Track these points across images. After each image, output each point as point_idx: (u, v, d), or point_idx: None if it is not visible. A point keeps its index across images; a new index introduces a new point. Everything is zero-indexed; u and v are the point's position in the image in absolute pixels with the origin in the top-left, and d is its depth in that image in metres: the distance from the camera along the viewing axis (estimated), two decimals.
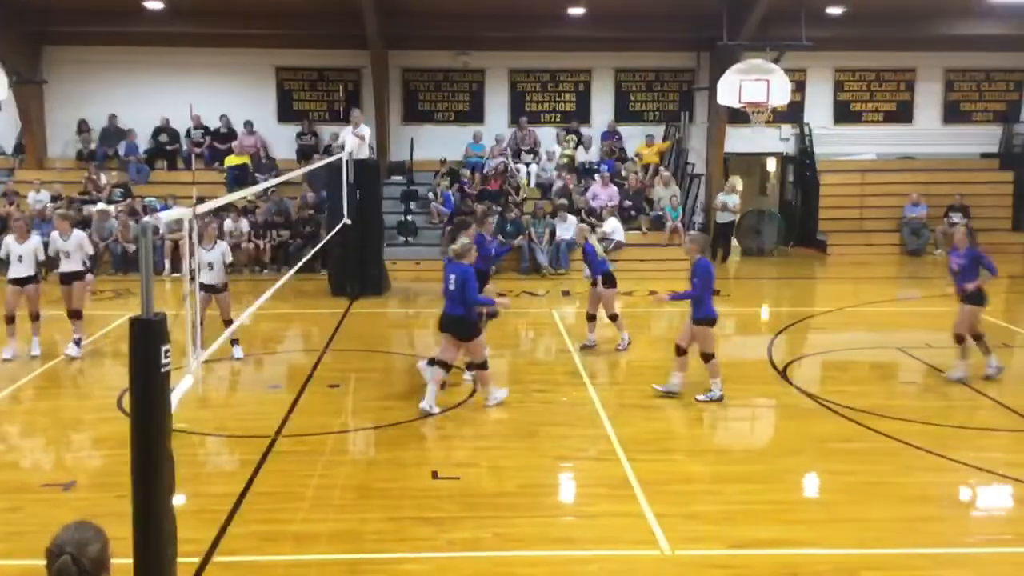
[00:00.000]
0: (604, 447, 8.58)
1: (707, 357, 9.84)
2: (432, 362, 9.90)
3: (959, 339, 10.72)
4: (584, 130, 21.92)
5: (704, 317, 9.78)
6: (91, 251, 12.29)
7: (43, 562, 3.45)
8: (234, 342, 11.50)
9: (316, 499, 7.41)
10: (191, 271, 6.25)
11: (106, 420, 9.26)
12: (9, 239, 11.77)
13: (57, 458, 8.52)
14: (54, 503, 7.35)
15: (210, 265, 11.10)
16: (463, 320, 9.57)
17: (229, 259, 11.63)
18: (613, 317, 12.09)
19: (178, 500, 5.30)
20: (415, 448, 8.59)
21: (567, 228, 18.91)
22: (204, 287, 10.83)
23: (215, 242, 11.47)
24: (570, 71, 22.23)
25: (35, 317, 11.74)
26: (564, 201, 19.59)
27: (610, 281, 11.92)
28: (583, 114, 22.28)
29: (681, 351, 9.98)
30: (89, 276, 12.33)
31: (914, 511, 7.16)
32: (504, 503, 7.33)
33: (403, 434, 8.99)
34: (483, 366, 9.75)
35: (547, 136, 21.83)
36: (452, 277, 9.50)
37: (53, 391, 10.80)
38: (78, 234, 12.05)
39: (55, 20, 19.96)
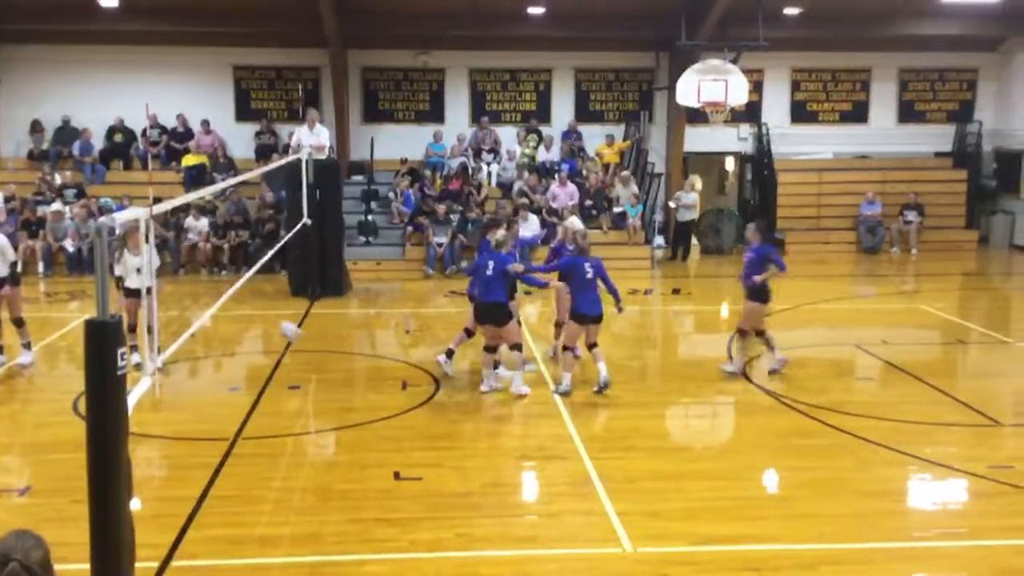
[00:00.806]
0: (566, 446, 8.60)
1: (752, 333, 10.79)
2: (450, 355, 10.62)
3: (742, 334, 10.87)
4: (544, 129, 21.96)
5: (760, 294, 10.64)
6: (12, 257, 11.21)
7: None
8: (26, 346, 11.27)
9: (277, 502, 7.34)
10: (119, 277, 6.14)
11: (62, 424, 9.12)
12: None
13: (12, 463, 8.37)
14: (8, 508, 7.22)
15: (138, 270, 10.66)
16: (500, 307, 10.00)
17: (157, 263, 11.17)
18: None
19: (136, 505, 5.24)
20: (376, 449, 8.56)
21: (528, 227, 18.93)
22: (129, 292, 10.68)
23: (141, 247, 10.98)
24: (530, 71, 22.26)
25: None
26: (525, 200, 19.62)
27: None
28: (543, 114, 22.32)
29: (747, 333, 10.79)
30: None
31: (872, 506, 7.26)
32: (466, 503, 7.32)
33: (364, 435, 8.95)
34: (519, 348, 10.16)
35: (508, 135, 21.85)
36: (491, 263, 9.99)
37: (7, 394, 10.61)
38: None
39: (8, 18, 19.62)
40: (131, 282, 10.68)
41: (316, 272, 15.77)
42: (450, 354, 10.72)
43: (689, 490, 7.58)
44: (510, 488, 7.84)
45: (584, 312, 9.97)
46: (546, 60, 22.11)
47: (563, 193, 19.92)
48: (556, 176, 20.38)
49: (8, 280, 11.00)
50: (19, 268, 10.85)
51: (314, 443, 8.96)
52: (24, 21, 19.67)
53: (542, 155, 21.54)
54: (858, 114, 23.11)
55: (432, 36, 20.95)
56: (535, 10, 19.80)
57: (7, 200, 18.87)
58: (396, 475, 7.82)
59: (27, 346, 11.39)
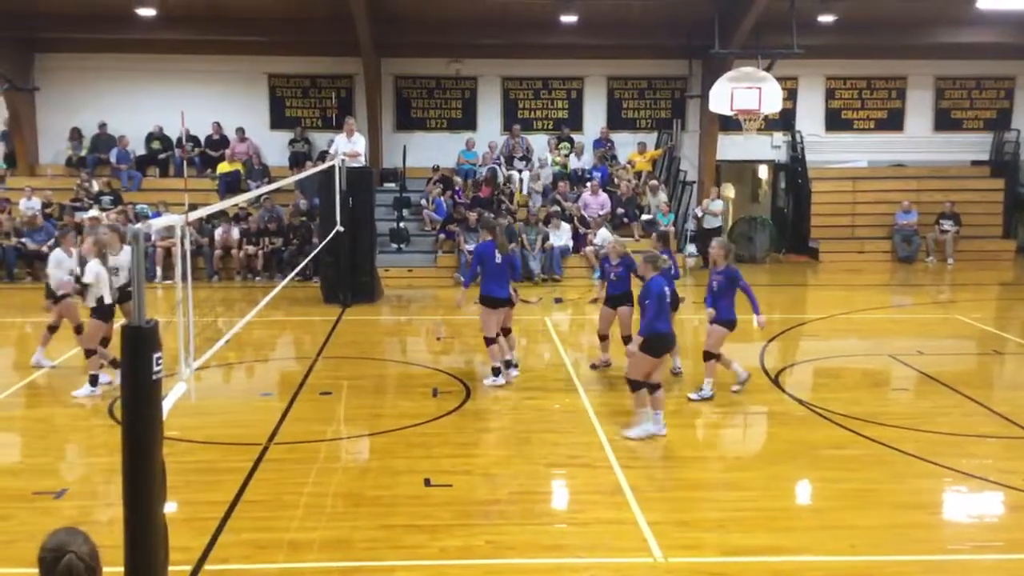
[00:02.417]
0: (597, 454, 8.58)
1: (712, 356, 10.25)
2: (510, 365, 10.90)
3: (707, 357, 10.36)
4: (576, 137, 21.97)
5: (727, 320, 10.18)
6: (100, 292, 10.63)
7: (34, 570, 3.46)
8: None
9: (308, 507, 7.39)
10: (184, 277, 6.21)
11: (98, 427, 9.23)
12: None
13: (49, 465, 8.48)
14: (45, 511, 7.31)
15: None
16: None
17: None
18: (628, 339, 10.56)
19: (169, 508, 5.29)
20: (407, 455, 8.58)
21: (560, 235, 18.95)
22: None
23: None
24: (563, 79, 22.29)
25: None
26: (557, 208, 19.62)
27: (627, 299, 11.09)
28: (575, 122, 22.32)
29: (711, 356, 10.30)
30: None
31: (906, 518, 7.17)
32: (496, 510, 7.32)
33: (395, 441, 8.98)
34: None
35: (540, 143, 21.88)
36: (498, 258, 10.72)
37: (44, 398, 10.76)
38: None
39: (47, 27, 19.94)
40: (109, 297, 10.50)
41: (348, 279, 15.86)
42: (498, 371, 10.82)
43: (721, 500, 7.53)
44: (540, 496, 7.83)
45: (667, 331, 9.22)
46: (578, 68, 22.13)
47: (594, 201, 19.91)
48: (588, 184, 20.37)
49: (97, 312, 10.51)
50: (108, 300, 10.51)
51: (345, 449, 9.00)
52: (62, 30, 20.00)
53: (573, 163, 21.55)
54: (893, 122, 22.91)
55: (464, 44, 21.06)
56: (568, 18, 19.83)
57: (44, 207, 19.15)
58: (426, 482, 7.84)
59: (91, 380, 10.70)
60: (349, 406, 10.37)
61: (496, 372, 10.77)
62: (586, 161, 21.66)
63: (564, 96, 22.36)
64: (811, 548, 6.66)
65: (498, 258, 10.64)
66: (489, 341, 10.71)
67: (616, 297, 11.12)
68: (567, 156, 21.61)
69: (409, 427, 9.34)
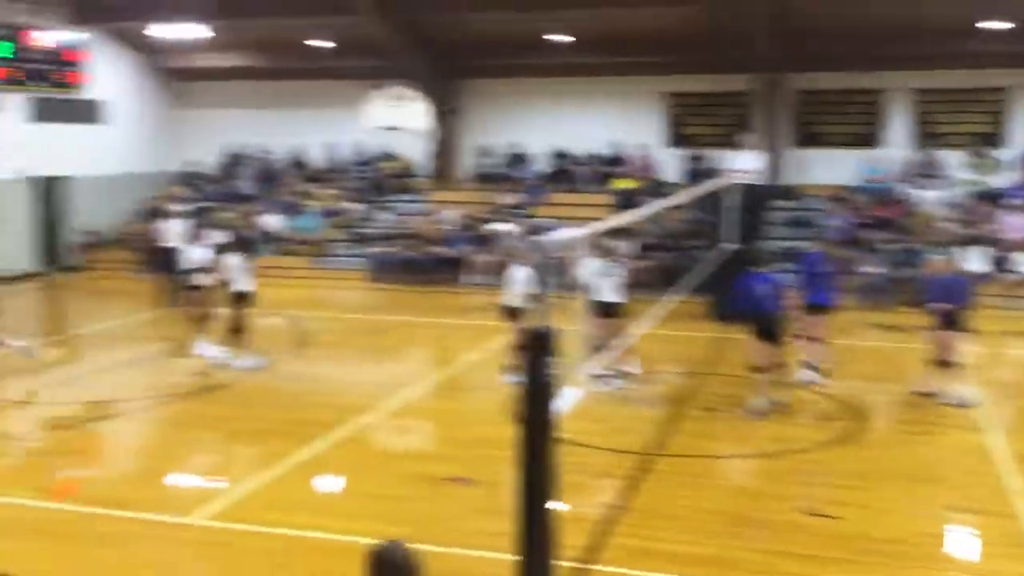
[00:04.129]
0: (1000, 499, 7.78)
1: None
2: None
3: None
4: (996, 153, 20.00)
5: None
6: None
7: (443, 549, 3.84)
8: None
9: (688, 520, 7.44)
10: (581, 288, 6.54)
11: (497, 422, 9.97)
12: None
13: (454, 454, 9.30)
14: (448, 496, 8.04)
15: (592, 284, 11.19)
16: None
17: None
18: None
19: (558, 505, 5.60)
20: (793, 481, 8.34)
21: (974, 260, 17.35)
22: (600, 308, 11.15)
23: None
24: (982, 90, 20.41)
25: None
26: (971, 231, 18.01)
27: None
28: (996, 136, 20.34)
29: None
30: None
31: None
32: (886, 550, 6.90)
33: (780, 466, 8.77)
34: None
35: (952, 160, 20.21)
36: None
37: (454, 393, 11.86)
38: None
39: (467, 56, 21.91)
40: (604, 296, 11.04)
41: (735, 296, 15.64)
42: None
43: None
44: (933, 539, 7.25)
45: None
46: (1003, 78, 20.14)
47: (1019, 224, 18.01)
48: (1009, 204, 18.47)
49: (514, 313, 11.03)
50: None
51: (727, 467, 8.95)
52: (481, 58, 21.88)
53: (992, 182, 19.65)
54: None
55: (871, 55, 20.00)
56: (993, 24, 18.10)
57: (461, 218, 21.01)
58: (809, 511, 7.57)
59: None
60: (732, 424, 10.28)
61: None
62: (1008, 179, 19.64)
63: (983, 109, 20.46)
64: None
65: None
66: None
67: None
68: (985, 174, 19.74)
69: (795, 452, 9.08)
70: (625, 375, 11.53)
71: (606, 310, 11.18)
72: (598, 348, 10.48)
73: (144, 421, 10.70)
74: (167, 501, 8.03)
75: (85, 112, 21.75)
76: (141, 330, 15.25)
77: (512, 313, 11.23)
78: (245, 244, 13.15)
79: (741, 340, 10.97)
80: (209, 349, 12.78)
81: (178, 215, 15.67)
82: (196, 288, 12.94)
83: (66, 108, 21.14)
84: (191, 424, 10.42)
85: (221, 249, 12.89)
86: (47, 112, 20.71)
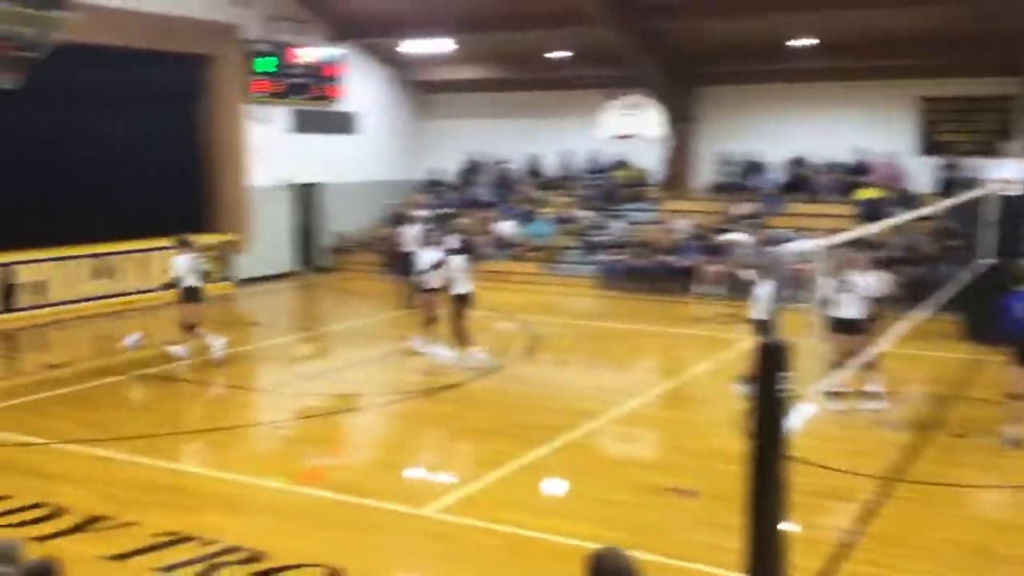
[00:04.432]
0: None
1: None
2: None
3: None
4: None
5: None
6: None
7: (664, 559, 3.82)
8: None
9: (927, 550, 7.00)
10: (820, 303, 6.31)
11: (725, 436, 9.77)
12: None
13: (682, 464, 9.19)
14: (674, 507, 7.96)
15: (849, 299, 10.78)
16: None
17: (873, 293, 11.08)
18: None
19: (788, 526, 5.41)
20: None
21: None
22: (839, 324, 10.73)
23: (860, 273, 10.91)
24: None
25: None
26: None
27: None
28: None
29: None
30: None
31: None
32: None
33: None
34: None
35: None
36: None
37: (682, 402, 11.74)
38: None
39: (709, 63, 21.60)
40: (841, 312, 10.70)
41: (992, 316, 14.53)
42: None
43: None
44: None
45: None
46: None
47: None
48: None
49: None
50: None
51: (975, 498, 8.34)
52: (718, 64, 21.49)
53: None
54: None
55: None
56: None
57: (692, 228, 20.74)
58: None
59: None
60: (982, 453, 9.54)
61: None
62: None
63: None
64: None
65: None
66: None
67: None
68: None
69: None
70: (867, 395, 10.98)
71: (846, 326, 10.70)
72: (837, 365, 10.06)
73: (383, 415, 11.28)
74: (404, 493, 8.42)
75: (340, 123, 23.24)
76: (383, 329, 16.08)
77: (758, 325, 10.97)
78: (468, 248, 13.56)
79: (998, 364, 10.19)
80: (435, 349, 13.30)
81: (418, 220, 16.44)
82: (427, 290, 13.50)
83: (323, 119, 22.68)
84: (425, 421, 10.89)
85: (448, 253, 13.38)
86: (306, 123, 22.29)
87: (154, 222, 19.22)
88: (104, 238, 18.21)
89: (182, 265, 13.33)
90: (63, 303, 16.99)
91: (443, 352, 13.25)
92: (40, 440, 9.75)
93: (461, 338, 13.08)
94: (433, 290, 13.42)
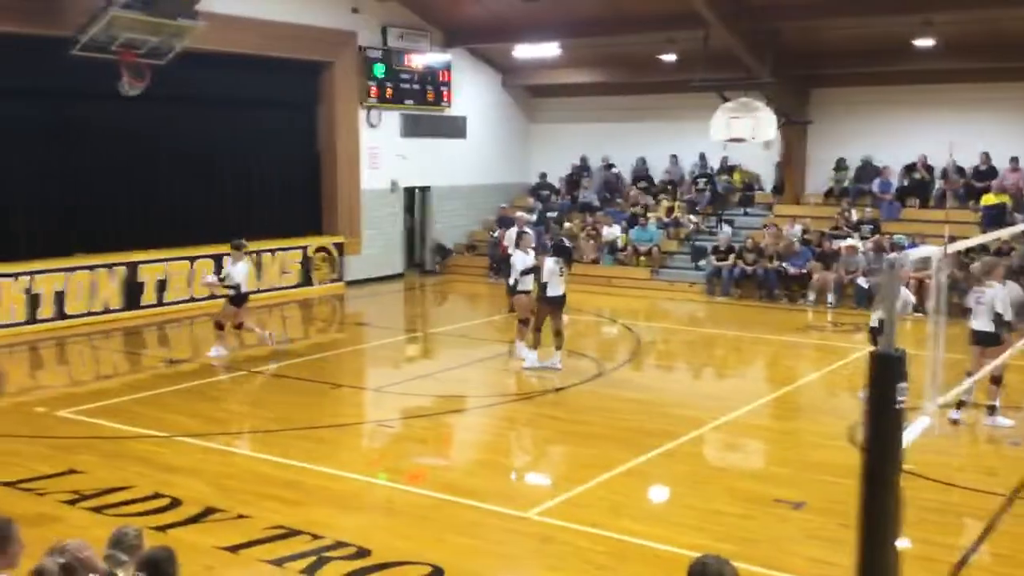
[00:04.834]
0: None
1: None
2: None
3: None
4: None
5: None
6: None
7: (768, 571, 3.74)
8: None
9: None
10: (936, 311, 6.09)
11: (836, 448, 9.52)
12: None
13: (790, 476, 8.98)
14: (782, 518, 7.79)
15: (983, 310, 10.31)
16: None
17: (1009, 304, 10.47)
18: None
19: (903, 543, 5.23)
20: None
21: None
22: (979, 336, 10.29)
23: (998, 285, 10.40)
24: None
25: None
26: None
27: None
28: None
29: None
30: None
31: None
32: None
33: None
34: None
35: None
36: None
37: (792, 412, 11.47)
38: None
39: (824, 64, 21.05)
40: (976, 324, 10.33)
41: None
42: None
43: None
44: None
45: None
46: None
47: None
48: None
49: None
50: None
51: None
52: (835, 66, 20.91)
53: None
54: None
55: None
56: None
57: (804, 232, 20.25)
58: None
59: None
60: None
61: None
62: None
63: None
64: None
65: None
66: None
67: None
68: None
69: None
70: (993, 410, 10.52)
71: (982, 338, 10.27)
72: (969, 377, 9.68)
73: (487, 417, 11.35)
74: (507, 494, 8.46)
75: (448, 127, 23.51)
76: (488, 332, 16.20)
77: (874, 334, 10.67)
78: (560, 251, 13.51)
79: None
80: (528, 352, 13.29)
81: (519, 224, 16.48)
82: (523, 293, 13.52)
83: (433, 124, 22.99)
84: (529, 423, 10.92)
85: (541, 256, 13.34)
86: (416, 127, 22.62)
87: (272, 224, 19.89)
88: (225, 239, 18.84)
89: (241, 271, 13.75)
90: (182, 301, 17.62)
91: (528, 354, 13.22)
92: (161, 433, 10.15)
93: (555, 340, 13.01)
94: (526, 293, 13.44)
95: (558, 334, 12.95)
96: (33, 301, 15.63)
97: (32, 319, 15.61)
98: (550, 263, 12.98)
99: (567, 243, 14.81)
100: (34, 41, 15.20)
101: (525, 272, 13.33)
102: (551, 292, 12.89)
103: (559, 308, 13.01)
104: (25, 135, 16.12)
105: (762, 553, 6.90)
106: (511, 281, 13.67)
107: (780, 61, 20.43)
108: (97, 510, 7.86)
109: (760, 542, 7.24)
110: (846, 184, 21.81)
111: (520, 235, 14.14)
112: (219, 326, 13.82)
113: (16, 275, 15.47)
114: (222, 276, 14.15)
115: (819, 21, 19.41)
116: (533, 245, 14.02)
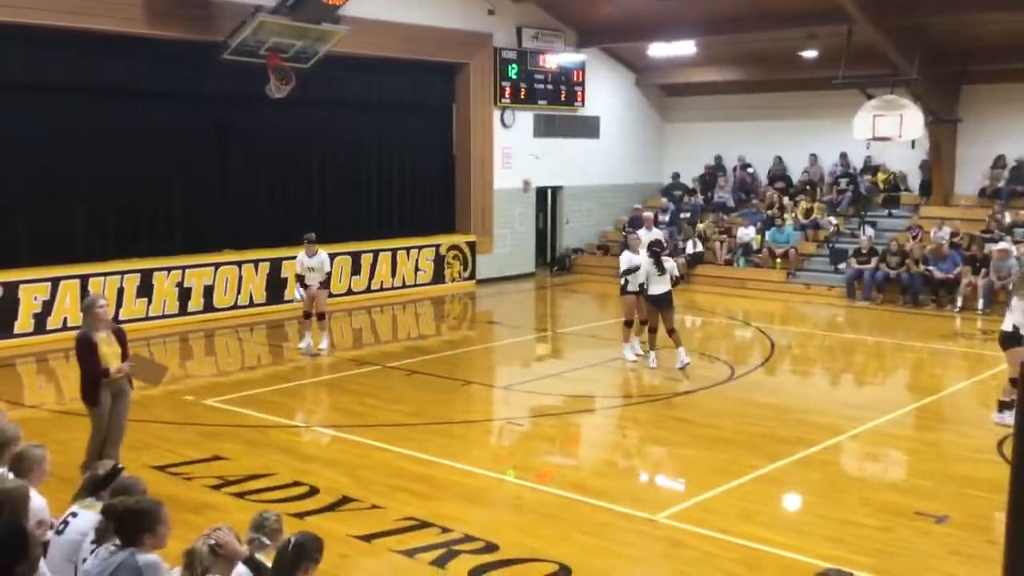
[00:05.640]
0: None
1: None
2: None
3: None
4: None
5: None
6: None
7: None
8: None
9: None
10: None
11: (984, 461, 9.09)
12: None
13: (932, 489, 8.62)
14: (924, 532, 7.50)
15: None
16: None
17: None
18: None
19: None
20: None
21: None
22: None
23: None
24: None
25: None
26: None
27: None
28: None
29: None
30: None
31: None
32: None
33: None
34: None
35: None
36: None
37: (935, 423, 11.01)
38: None
39: (976, 60, 20.08)
40: None
41: None
42: None
43: None
44: None
45: None
46: None
47: None
48: None
49: None
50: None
51: None
52: (988, 61, 19.90)
53: None
54: None
55: None
56: None
57: (953, 235, 19.37)
58: None
59: None
60: None
61: None
62: None
63: None
64: None
65: None
66: None
67: None
68: None
69: None
70: None
71: None
72: None
73: (616, 418, 11.33)
74: (636, 496, 8.42)
75: (582, 127, 23.52)
76: (618, 332, 16.11)
77: (1010, 342, 10.14)
78: (657, 250, 13.31)
79: None
80: (625, 350, 13.48)
81: (649, 223, 16.28)
82: (631, 294, 13.47)
83: (565, 123, 23.05)
84: (659, 425, 10.81)
85: (651, 255, 13.17)
86: (549, 127, 22.73)
87: (407, 223, 20.38)
88: (362, 237, 19.41)
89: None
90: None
91: (629, 354, 13.42)
92: (301, 423, 10.51)
93: (651, 338, 13.22)
94: (634, 293, 13.41)
95: (671, 332, 12.96)
96: (184, 295, 16.47)
97: (183, 311, 16.44)
98: (645, 262, 13.04)
99: (664, 241, 14.67)
100: (191, 46, 16.02)
101: (626, 272, 13.37)
102: (652, 291, 12.97)
103: (663, 306, 12.98)
104: (181, 137, 16.98)
105: (902, 568, 6.66)
106: (621, 281, 13.73)
107: (928, 57, 19.59)
108: (240, 495, 8.22)
109: (899, 556, 6.99)
110: (1000, 185, 20.76)
111: (626, 235, 14.16)
112: (321, 316, 14.11)
113: (169, 269, 16.32)
114: (312, 268, 13.94)
115: (971, 16, 18.52)
116: (644, 244, 13.91)
